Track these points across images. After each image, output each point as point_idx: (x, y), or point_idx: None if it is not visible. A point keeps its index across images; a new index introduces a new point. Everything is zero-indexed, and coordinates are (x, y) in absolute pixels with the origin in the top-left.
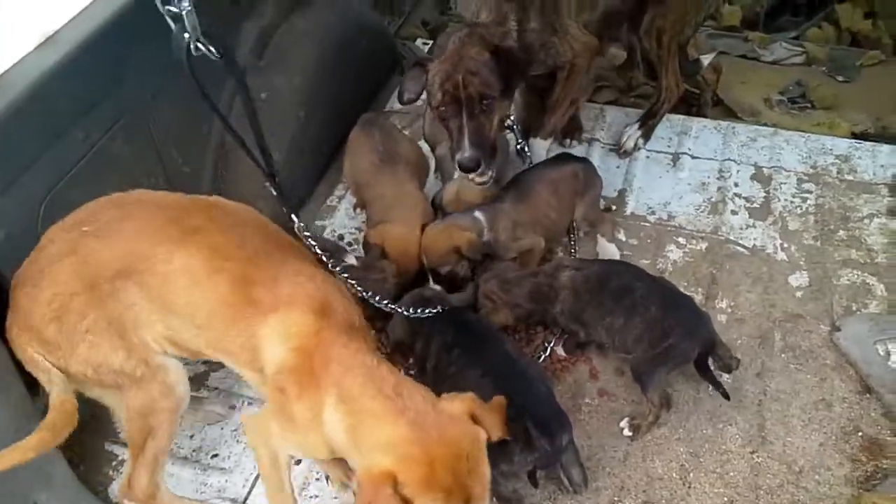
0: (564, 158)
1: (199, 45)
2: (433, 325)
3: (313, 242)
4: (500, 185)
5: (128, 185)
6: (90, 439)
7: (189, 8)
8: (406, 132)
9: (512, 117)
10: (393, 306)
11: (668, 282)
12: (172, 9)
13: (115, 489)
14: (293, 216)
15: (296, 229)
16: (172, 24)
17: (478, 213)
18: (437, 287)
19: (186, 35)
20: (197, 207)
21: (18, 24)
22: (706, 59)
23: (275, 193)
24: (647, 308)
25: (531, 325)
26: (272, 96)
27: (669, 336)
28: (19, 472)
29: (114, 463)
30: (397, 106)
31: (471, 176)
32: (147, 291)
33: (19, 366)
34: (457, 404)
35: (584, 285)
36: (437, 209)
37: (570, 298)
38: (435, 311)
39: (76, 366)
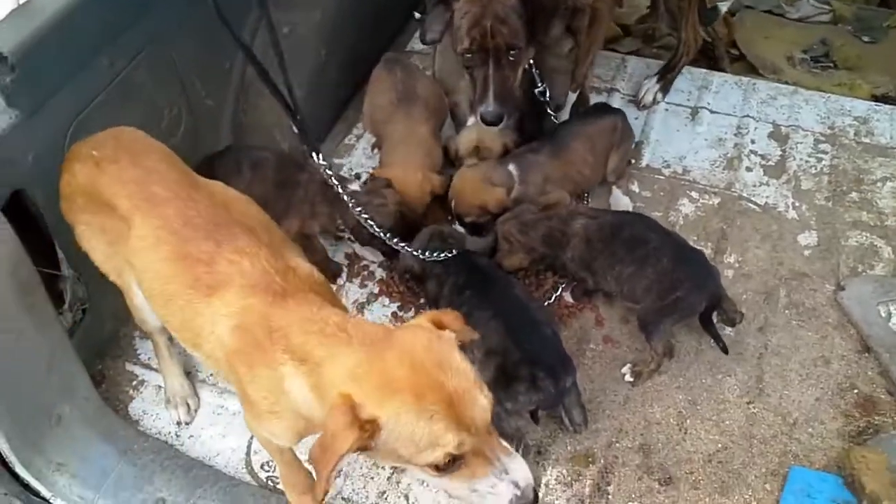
0: (602, 110)
1: None
2: (447, 266)
3: (330, 173)
4: (521, 135)
5: (151, 114)
6: (112, 361)
7: None
8: (427, 72)
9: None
10: (404, 245)
11: (680, 236)
12: None
13: (134, 407)
14: (313, 153)
15: (316, 162)
16: None
17: (511, 167)
18: (458, 228)
19: None
20: (186, 183)
21: None
22: (724, 6)
23: (296, 131)
24: (658, 259)
25: (541, 270)
26: (292, 31)
27: (678, 288)
28: (44, 385)
29: (134, 382)
30: (418, 47)
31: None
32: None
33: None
34: (414, 321)
35: (597, 233)
36: (453, 158)
37: (581, 246)
38: (449, 254)
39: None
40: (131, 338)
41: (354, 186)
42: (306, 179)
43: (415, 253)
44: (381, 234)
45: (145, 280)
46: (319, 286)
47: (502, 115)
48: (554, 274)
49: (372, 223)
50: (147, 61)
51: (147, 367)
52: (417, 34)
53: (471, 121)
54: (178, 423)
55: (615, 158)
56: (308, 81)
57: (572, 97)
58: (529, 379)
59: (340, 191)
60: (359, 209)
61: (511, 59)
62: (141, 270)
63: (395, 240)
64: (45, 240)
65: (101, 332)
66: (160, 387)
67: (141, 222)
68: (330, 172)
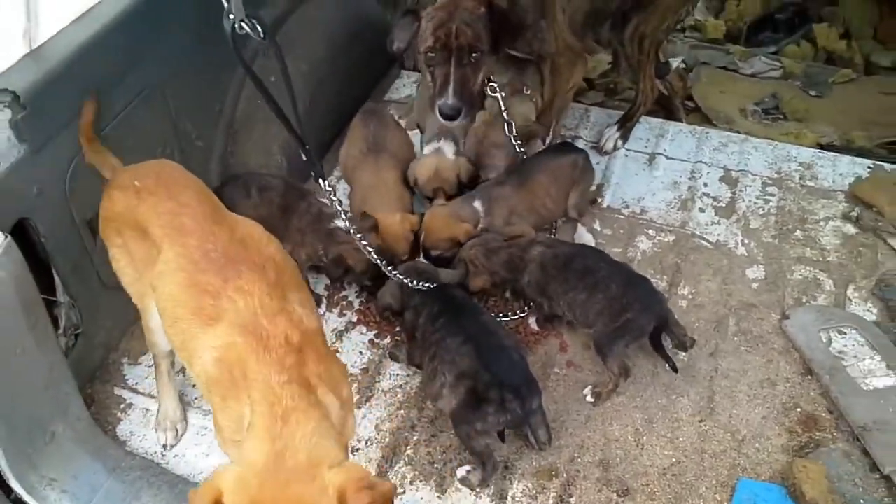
0: (565, 149)
1: (244, 24)
2: (423, 298)
3: (334, 199)
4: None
5: (146, 152)
6: (101, 385)
7: None
8: (402, 121)
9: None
10: (395, 273)
11: (627, 265)
12: None
13: (122, 429)
14: (319, 179)
15: (323, 189)
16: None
17: (477, 203)
18: (428, 263)
19: (231, 16)
20: (215, 218)
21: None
22: (675, 62)
23: (304, 158)
24: (608, 286)
25: (508, 299)
26: (280, 78)
27: (628, 311)
28: (41, 402)
29: (122, 406)
30: (395, 95)
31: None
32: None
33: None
34: (338, 474)
35: (551, 261)
36: (412, 186)
37: (537, 271)
38: (430, 284)
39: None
40: (120, 364)
41: (339, 223)
42: (304, 209)
43: (405, 280)
44: (379, 262)
45: (161, 300)
46: (310, 333)
47: (460, 109)
48: (517, 300)
49: (370, 250)
50: (143, 103)
51: (134, 391)
52: (396, 83)
53: (427, 150)
54: (164, 446)
55: (575, 194)
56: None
57: (541, 144)
58: (498, 401)
59: (343, 216)
60: (360, 237)
61: (473, 60)
62: (159, 292)
63: (390, 268)
64: (44, 267)
65: (91, 358)
66: (147, 409)
67: (168, 249)
68: (334, 198)
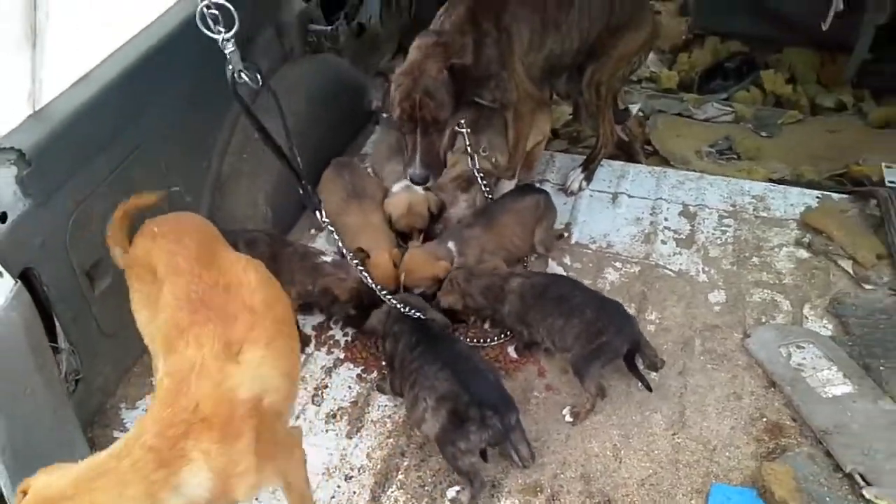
0: (526, 190)
1: (243, 74)
2: (401, 327)
3: (332, 229)
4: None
5: None
6: (101, 430)
7: (233, 49)
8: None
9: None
10: (390, 298)
11: (599, 293)
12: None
13: None
14: (316, 212)
15: (321, 222)
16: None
17: (450, 244)
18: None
19: (230, 67)
20: (223, 265)
21: (56, 65)
22: (634, 108)
23: (301, 192)
24: (583, 311)
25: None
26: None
27: (603, 334)
28: (49, 440)
29: None
30: (369, 150)
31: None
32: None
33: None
34: None
35: (529, 290)
36: (387, 220)
37: (516, 301)
38: (419, 314)
39: None
40: (118, 408)
41: (326, 258)
42: (290, 252)
43: (399, 306)
44: (373, 286)
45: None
46: (236, 405)
47: (427, 177)
48: (495, 328)
49: (367, 276)
50: (137, 161)
51: None
52: (371, 138)
53: (396, 187)
54: None
55: (540, 231)
56: (277, 178)
57: (510, 184)
58: (479, 418)
59: (338, 244)
60: (358, 266)
61: (438, 128)
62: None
63: (388, 296)
64: (45, 315)
65: (90, 403)
66: None
67: (165, 287)
68: (332, 228)
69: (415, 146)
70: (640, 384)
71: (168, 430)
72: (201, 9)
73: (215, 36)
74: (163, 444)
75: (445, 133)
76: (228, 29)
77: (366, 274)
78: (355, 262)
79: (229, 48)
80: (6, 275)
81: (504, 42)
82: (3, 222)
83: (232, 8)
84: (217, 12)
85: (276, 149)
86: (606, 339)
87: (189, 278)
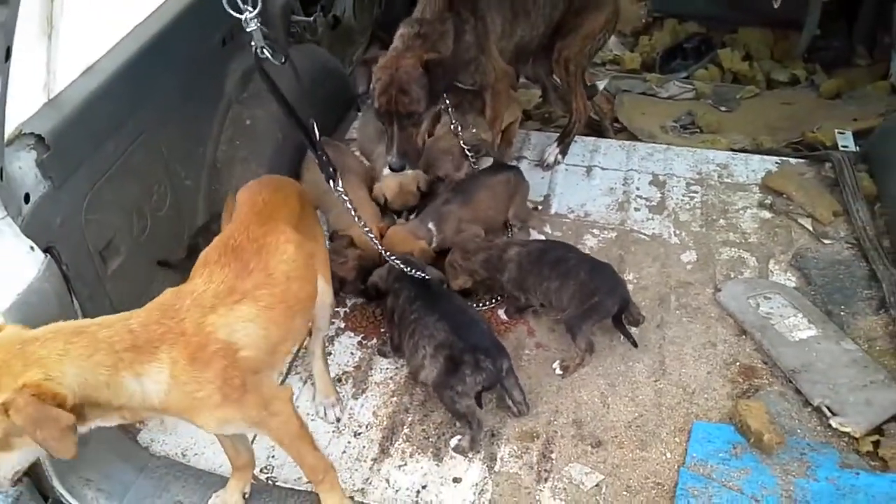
0: (499, 167)
1: (265, 50)
2: (401, 283)
3: (346, 198)
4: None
5: (144, 190)
6: None
7: (256, 27)
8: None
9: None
10: (398, 262)
11: (592, 256)
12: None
13: (143, 437)
14: (331, 181)
15: (335, 191)
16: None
17: (430, 224)
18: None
19: (253, 44)
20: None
21: (67, 56)
22: (601, 84)
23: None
24: (577, 273)
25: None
26: (254, 122)
27: (595, 295)
28: None
29: None
30: (355, 135)
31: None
32: None
33: None
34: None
35: (526, 258)
36: (382, 202)
37: (515, 269)
38: (420, 272)
39: None
40: None
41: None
42: None
43: (404, 268)
44: (381, 248)
45: None
46: (214, 348)
47: (404, 165)
48: (487, 292)
49: (373, 237)
50: (141, 147)
51: None
52: (354, 124)
53: (385, 171)
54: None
55: (514, 206)
56: (269, 161)
57: (489, 160)
58: (473, 363)
59: (356, 219)
60: (366, 229)
61: (413, 122)
62: None
63: (390, 255)
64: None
65: None
66: (162, 420)
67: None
68: (346, 198)
69: (392, 138)
70: (622, 337)
71: (151, 325)
72: None
73: (239, 15)
74: (142, 334)
75: (422, 124)
76: (253, 8)
77: (371, 235)
78: (367, 230)
79: (253, 26)
80: (37, 249)
81: (480, 29)
82: (27, 202)
83: None
84: None
85: (296, 119)
86: (599, 300)
87: (238, 228)
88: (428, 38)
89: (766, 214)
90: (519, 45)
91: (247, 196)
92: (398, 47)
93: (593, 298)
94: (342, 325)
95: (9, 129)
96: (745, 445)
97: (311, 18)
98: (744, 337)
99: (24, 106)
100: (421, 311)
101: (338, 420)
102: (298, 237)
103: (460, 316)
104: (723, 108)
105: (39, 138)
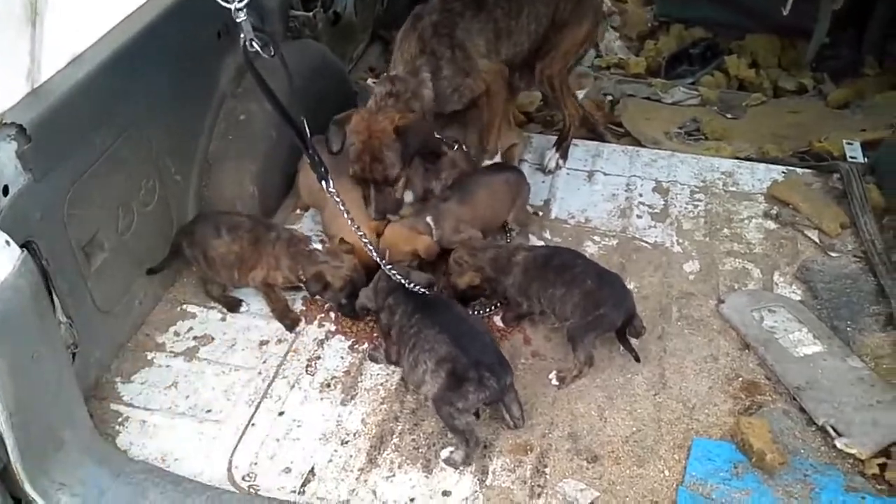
0: (500, 167)
1: (254, 43)
2: (396, 299)
3: (338, 200)
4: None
5: (131, 185)
6: (98, 402)
7: (244, 18)
8: None
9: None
10: (395, 273)
11: (599, 264)
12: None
13: (122, 440)
14: (323, 181)
15: (327, 192)
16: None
17: (428, 218)
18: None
19: (242, 35)
20: None
21: (52, 44)
22: (581, 94)
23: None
24: (583, 281)
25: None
26: (248, 118)
27: (601, 306)
28: (52, 409)
29: (119, 419)
30: None
31: None
32: None
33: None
34: None
35: (532, 262)
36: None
37: (520, 274)
38: (425, 289)
39: None
40: (113, 382)
41: (317, 245)
42: (274, 237)
43: (404, 281)
44: (377, 257)
45: None
46: None
47: (385, 218)
48: (489, 298)
49: (379, 258)
50: (129, 141)
51: (130, 405)
52: None
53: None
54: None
55: (514, 208)
56: (262, 159)
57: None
58: (477, 379)
59: (347, 216)
60: (365, 240)
61: (389, 183)
62: None
63: (389, 267)
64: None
65: (87, 378)
66: (144, 422)
67: None
68: (338, 199)
69: (369, 199)
70: (621, 348)
71: None
72: None
73: (228, 6)
74: None
75: (398, 185)
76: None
77: (371, 247)
78: (360, 234)
79: (241, 17)
80: (12, 243)
81: (459, 56)
82: (6, 195)
83: None
84: None
85: (285, 117)
86: (604, 312)
87: None
88: (400, 96)
89: (772, 225)
90: (504, 63)
91: None
92: (371, 107)
93: (599, 310)
94: (332, 327)
95: None
96: (746, 465)
97: (311, 14)
98: (747, 351)
99: (4, 94)
100: (420, 324)
101: None
102: None
103: (461, 326)
104: (729, 116)
105: (21, 128)
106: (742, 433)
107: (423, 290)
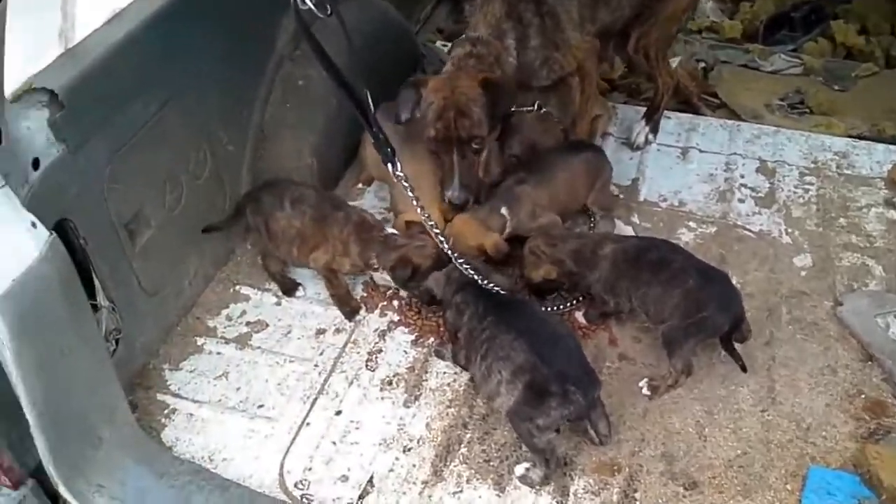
0: (578, 145)
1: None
2: (465, 297)
3: (406, 185)
4: None
5: (179, 157)
6: (144, 392)
7: None
8: None
9: None
10: (467, 267)
11: (702, 260)
12: None
13: (167, 434)
14: (388, 164)
15: (393, 176)
16: None
17: (504, 210)
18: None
19: None
20: None
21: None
22: (675, 61)
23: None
24: (685, 280)
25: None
26: (307, 83)
27: (704, 308)
28: (87, 406)
29: (165, 411)
30: None
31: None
32: None
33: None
34: None
35: (622, 256)
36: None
37: (608, 269)
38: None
39: None
40: (161, 369)
41: (391, 229)
42: (342, 219)
43: (477, 278)
44: (448, 251)
45: None
46: None
47: (468, 199)
48: (570, 293)
49: (450, 252)
50: (176, 108)
51: (178, 396)
52: None
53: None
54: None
55: (596, 189)
56: (322, 128)
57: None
58: (561, 393)
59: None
60: (440, 239)
61: (475, 148)
62: None
63: (461, 261)
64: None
65: (132, 365)
66: (191, 415)
67: None
68: (406, 184)
69: (451, 167)
70: (723, 354)
71: None
72: None
73: None
74: None
75: (483, 152)
76: None
77: (441, 238)
78: (430, 223)
79: None
80: (40, 226)
81: (549, 25)
82: (36, 169)
83: None
84: None
85: (345, 87)
86: (708, 315)
87: None
88: (483, 58)
89: (894, 215)
90: (600, 31)
91: None
92: (450, 70)
93: (702, 312)
94: (395, 317)
95: (15, 83)
96: (873, 502)
97: None
98: (870, 364)
99: (34, 56)
100: (493, 328)
101: None
102: None
103: (541, 330)
104: (836, 87)
105: (52, 94)
106: (870, 465)
107: (495, 287)
